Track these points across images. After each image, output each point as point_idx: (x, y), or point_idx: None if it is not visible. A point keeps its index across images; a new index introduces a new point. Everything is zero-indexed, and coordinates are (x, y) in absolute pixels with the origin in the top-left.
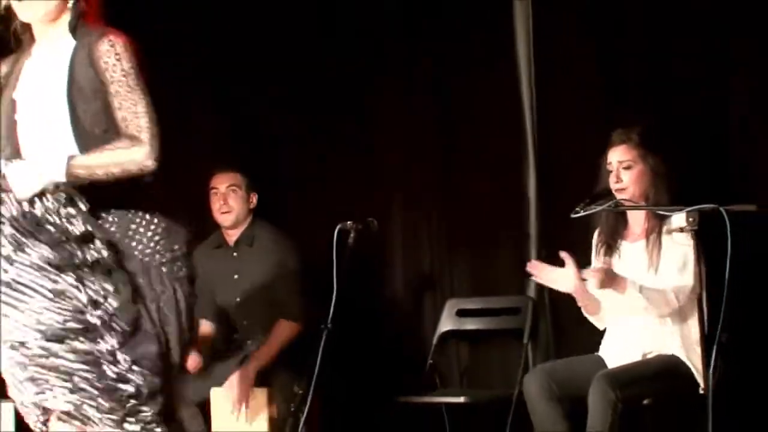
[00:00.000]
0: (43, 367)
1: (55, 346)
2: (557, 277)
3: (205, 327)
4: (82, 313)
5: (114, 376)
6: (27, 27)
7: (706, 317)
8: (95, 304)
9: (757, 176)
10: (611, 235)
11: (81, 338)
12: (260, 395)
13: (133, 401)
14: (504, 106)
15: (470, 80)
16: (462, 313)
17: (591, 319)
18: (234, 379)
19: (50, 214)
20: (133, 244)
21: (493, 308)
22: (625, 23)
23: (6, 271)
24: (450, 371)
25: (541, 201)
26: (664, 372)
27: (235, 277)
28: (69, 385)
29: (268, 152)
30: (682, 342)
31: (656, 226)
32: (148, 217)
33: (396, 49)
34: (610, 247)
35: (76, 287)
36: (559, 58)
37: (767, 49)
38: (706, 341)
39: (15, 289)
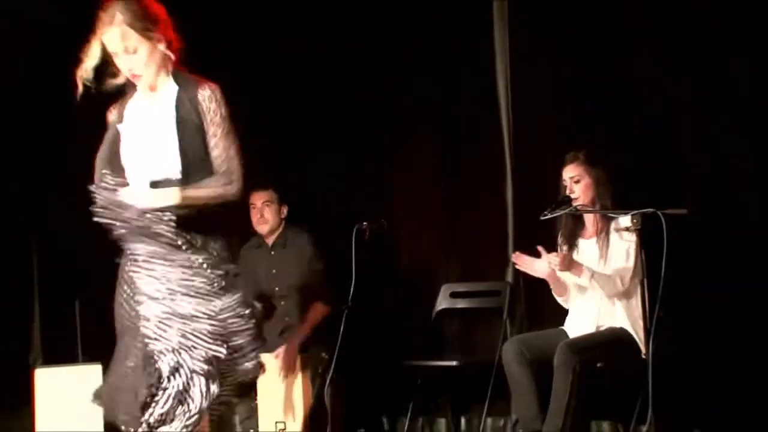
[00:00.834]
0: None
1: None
2: (535, 265)
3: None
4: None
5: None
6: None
7: (647, 297)
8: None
9: (692, 185)
10: (571, 234)
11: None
12: (299, 361)
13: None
14: (488, 133)
15: (464, 110)
16: (454, 295)
17: (559, 299)
18: (282, 350)
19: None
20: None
21: (478, 291)
22: (588, 57)
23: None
24: (445, 341)
25: (516, 207)
26: (613, 341)
27: (273, 271)
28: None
29: (296, 169)
30: (627, 317)
31: (605, 225)
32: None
33: (406, 86)
34: (570, 244)
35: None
36: (533, 87)
37: (712, 84)
38: (647, 316)
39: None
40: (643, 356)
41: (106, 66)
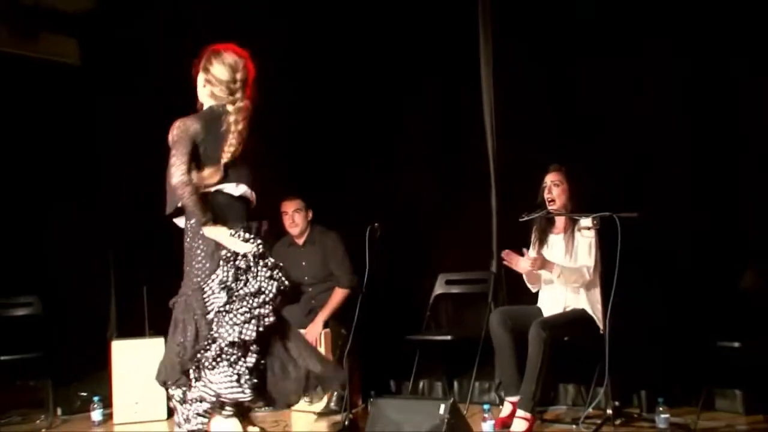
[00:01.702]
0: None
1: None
2: (520, 263)
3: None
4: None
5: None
6: None
7: (604, 285)
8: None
9: (641, 194)
10: (543, 231)
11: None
12: (324, 335)
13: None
14: (476, 152)
15: (455, 134)
16: (449, 282)
17: (530, 287)
18: (310, 327)
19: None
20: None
21: (468, 279)
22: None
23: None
24: (441, 320)
25: (499, 211)
26: (576, 319)
27: (303, 263)
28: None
29: (322, 181)
30: (588, 300)
31: (571, 225)
32: None
33: (413, 100)
34: (542, 240)
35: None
36: (513, 114)
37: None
38: (604, 300)
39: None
40: (601, 332)
41: None
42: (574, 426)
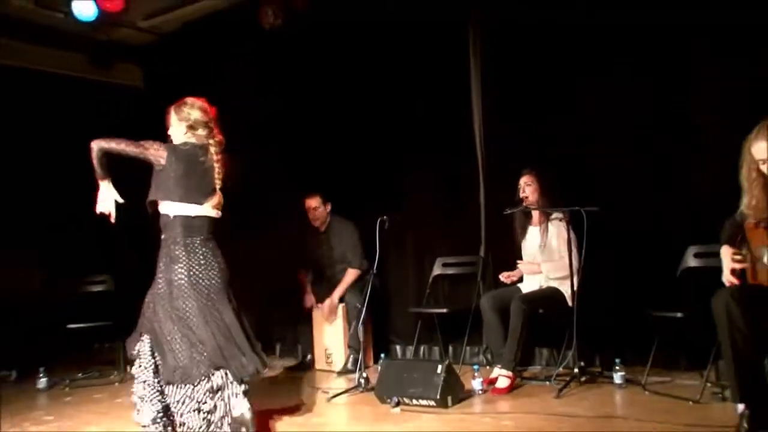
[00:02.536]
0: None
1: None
2: (526, 270)
3: (303, 274)
4: None
5: None
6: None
7: (573, 267)
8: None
9: (601, 192)
10: (523, 224)
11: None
12: (339, 309)
13: None
14: (467, 157)
15: (450, 133)
16: (445, 265)
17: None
18: (327, 300)
19: None
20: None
21: (461, 262)
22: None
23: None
24: (438, 296)
25: (487, 206)
26: (550, 295)
27: (324, 247)
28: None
29: (341, 178)
30: (559, 280)
31: (545, 218)
32: None
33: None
34: (523, 230)
35: None
36: (499, 116)
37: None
38: (572, 280)
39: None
40: (570, 306)
41: None
42: (547, 382)
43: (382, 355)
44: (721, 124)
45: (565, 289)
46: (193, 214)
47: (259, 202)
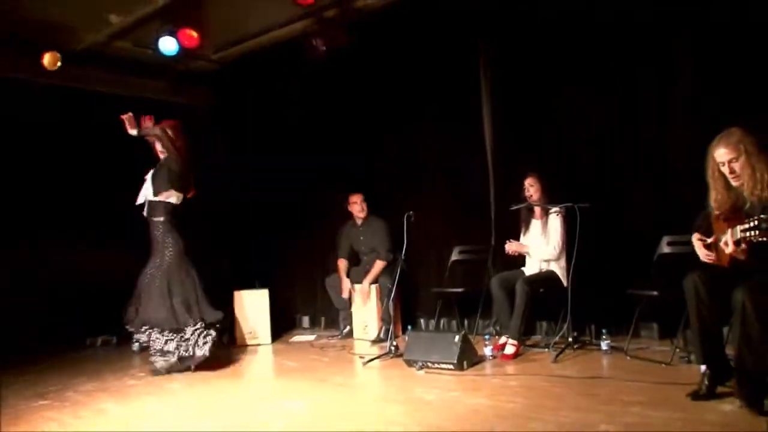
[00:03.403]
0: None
1: None
2: (517, 248)
3: (343, 262)
4: None
5: None
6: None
7: (567, 254)
8: None
9: (591, 190)
10: (526, 218)
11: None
12: (373, 289)
13: None
14: (478, 160)
15: (465, 141)
16: (461, 252)
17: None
18: (359, 288)
19: None
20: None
21: (475, 249)
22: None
23: None
24: (456, 278)
25: (496, 202)
26: (548, 278)
27: (361, 238)
28: None
29: (379, 182)
30: (556, 264)
31: (544, 213)
32: None
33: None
34: (527, 224)
35: None
36: (505, 129)
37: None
38: (567, 265)
39: None
40: (565, 286)
41: None
42: (546, 349)
43: (409, 327)
44: (690, 133)
45: (559, 269)
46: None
47: (309, 202)
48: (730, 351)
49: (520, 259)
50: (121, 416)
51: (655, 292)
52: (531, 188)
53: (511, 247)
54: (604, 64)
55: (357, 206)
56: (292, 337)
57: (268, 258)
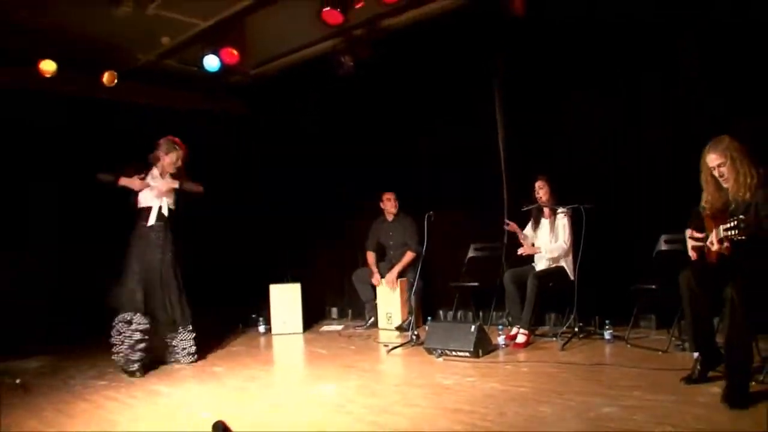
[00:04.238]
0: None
1: None
2: (529, 251)
3: (371, 255)
4: None
5: None
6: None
7: (574, 251)
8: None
9: (596, 192)
10: (536, 217)
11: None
12: (399, 282)
13: None
14: (491, 165)
15: (478, 153)
16: (476, 249)
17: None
18: (388, 275)
19: None
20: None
21: (489, 247)
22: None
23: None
24: (473, 273)
25: (509, 203)
26: (556, 272)
27: (390, 233)
28: None
29: (408, 184)
30: (564, 261)
31: (553, 213)
32: None
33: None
34: (537, 223)
35: None
36: (517, 138)
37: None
38: (574, 260)
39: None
40: (572, 280)
41: None
42: (554, 338)
43: (429, 318)
44: (692, 135)
45: (566, 265)
46: None
47: (335, 207)
48: (720, 339)
49: (530, 256)
50: (174, 396)
51: (654, 286)
52: (540, 190)
53: (524, 250)
54: (608, 67)
55: (390, 203)
56: (321, 327)
57: (300, 256)
